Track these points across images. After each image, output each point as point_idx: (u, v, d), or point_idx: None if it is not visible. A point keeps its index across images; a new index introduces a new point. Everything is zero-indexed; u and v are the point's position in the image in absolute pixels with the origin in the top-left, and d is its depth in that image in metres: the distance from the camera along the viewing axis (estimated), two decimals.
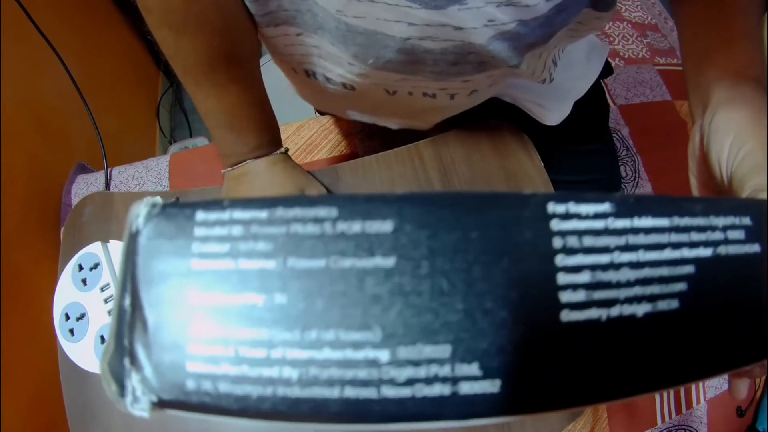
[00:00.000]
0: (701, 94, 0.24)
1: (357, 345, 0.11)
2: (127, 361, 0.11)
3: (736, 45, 0.23)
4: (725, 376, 0.44)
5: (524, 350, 0.11)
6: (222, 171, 0.36)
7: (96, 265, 0.39)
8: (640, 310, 0.12)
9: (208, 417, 0.11)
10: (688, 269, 0.13)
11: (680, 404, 0.44)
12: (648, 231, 0.12)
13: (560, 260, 0.11)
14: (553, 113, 0.41)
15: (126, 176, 0.49)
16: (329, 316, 0.11)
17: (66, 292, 0.39)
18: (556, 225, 0.12)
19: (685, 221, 0.13)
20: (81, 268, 0.39)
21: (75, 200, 0.47)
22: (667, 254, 0.12)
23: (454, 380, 0.11)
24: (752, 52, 0.23)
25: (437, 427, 0.11)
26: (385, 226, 0.11)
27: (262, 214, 0.11)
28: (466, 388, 0.11)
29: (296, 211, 0.11)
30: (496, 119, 0.43)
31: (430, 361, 0.11)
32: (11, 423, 0.38)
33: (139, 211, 0.12)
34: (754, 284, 0.13)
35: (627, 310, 0.12)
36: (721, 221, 0.13)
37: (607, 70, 0.44)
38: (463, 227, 0.11)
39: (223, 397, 0.11)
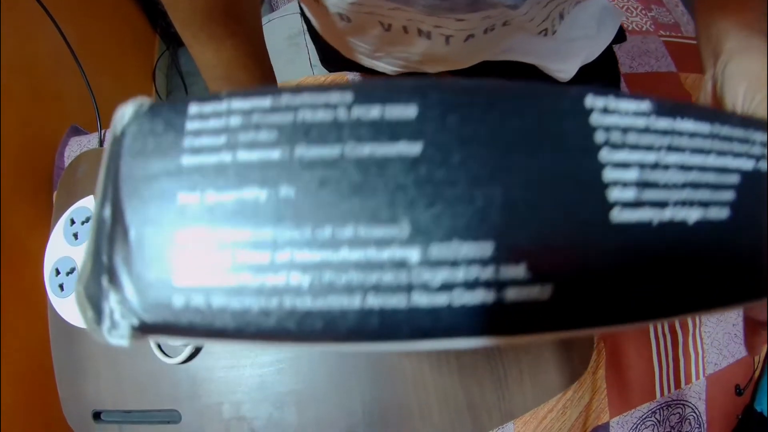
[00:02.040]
0: (713, 44, 0.24)
1: (381, 242, 0.09)
2: (105, 281, 0.09)
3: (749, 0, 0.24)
4: (723, 353, 0.42)
5: (576, 252, 0.09)
6: None
7: (88, 219, 0.37)
8: (692, 215, 0.11)
9: (198, 342, 0.09)
10: (734, 179, 0.11)
11: (679, 379, 0.43)
12: (691, 134, 0.11)
13: (605, 155, 0.10)
14: (560, 74, 0.40)
15: None
16: (346, 209, 0.09)
17: (57, 247, 0.37)
18: (596, 119, 0.10)
19: (726, 130, 0.12)
20: (73, 222, 0.38)
21: (68, 163, 0.46)
22: (713, 161, 0.11)
23: (499, 284, 0.09)
24: (763, 7, 0.23)
25: (475, 345, 0.09)
26: (409, 111, 0.10)
27: (265, 102, 0.10)
28: (512, 295, 0.09)
29: (304, 98, 0.10)
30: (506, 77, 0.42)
31: (470, 261, 0.09)
32: (4, 387, 0.38)
33: (125, 113, 0.10)
34: None
35: (679, 214, 0.10)
36: (759, 136, 0.13)
37: (620, 36, 0.43)
38: (498, 114, 0.10)
39: (217, 314, 0.09)
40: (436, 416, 0.35)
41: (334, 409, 0.35)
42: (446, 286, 0.09)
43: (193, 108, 0.10)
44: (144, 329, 0.09)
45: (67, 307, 0.36)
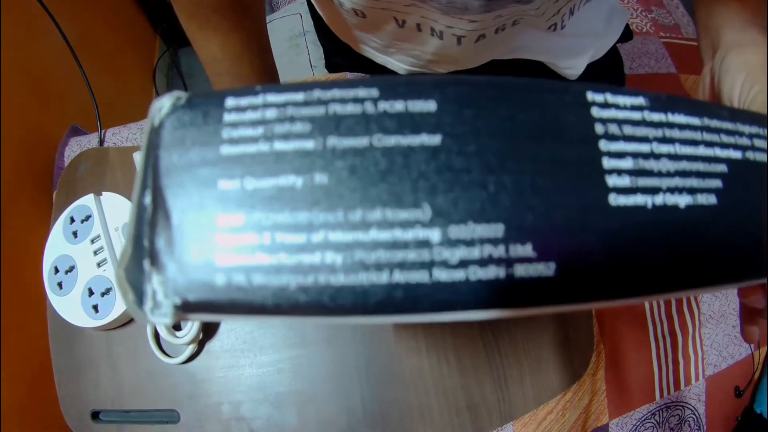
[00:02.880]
0: (711, 37, 0.25)
1: (406, 224, 0.10)
2: (146, 264, 0.10)
3: None
4: (723, 354, 0.43)
5: (578, 233, 0.10)
6: None
7: (87, 217, 0.37)
8: (682, 201, 0.12)
9: (237, 319, 0.10)
10: (722, 168, 0.13)
11: (679, 380, 0.43)
12: (682, 127, 0.12)
13: (604, 145, 0.11)
14: (568, 71, 0.41)
15: (120, 138, 0.46)
16: (375, 194, 0.10)
17: (56, 246, 0.37)
18: (596, 112, 0.12)
19: (715, 123, 0.13)
20: (72, 220, 0.38)
21: (68, 163, 0.46)
22: (702, 151, 0.12)
23: (509, 262, 0.10)
24: (761, 2, 0.24)
25: (489, 316, 0.10)
26: (429, 106, 0.11)
27: (298, 96, 0.11)
28: (521, 271, 0.10)
29: (335, 92, 0.11)
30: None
31: (484, 241, 0.10)
32: (3, 386, 0.37)
33: (162, 104, 0.11)
34: None
35: (670, 199, 0.12)
36: (746, 128, 0.14)
37: (626, 34, 0.44)
38: (508, 107, 0.11)
39: (257, 291, 0.10)
40: (436, 417, 0.35)
41: (333, 409, 0.35)
42: (463, 263, 0.10)
43: (230, 101, 0.11)
44: (186, 308, 0.10)
45: (66, 306, 0.36)
